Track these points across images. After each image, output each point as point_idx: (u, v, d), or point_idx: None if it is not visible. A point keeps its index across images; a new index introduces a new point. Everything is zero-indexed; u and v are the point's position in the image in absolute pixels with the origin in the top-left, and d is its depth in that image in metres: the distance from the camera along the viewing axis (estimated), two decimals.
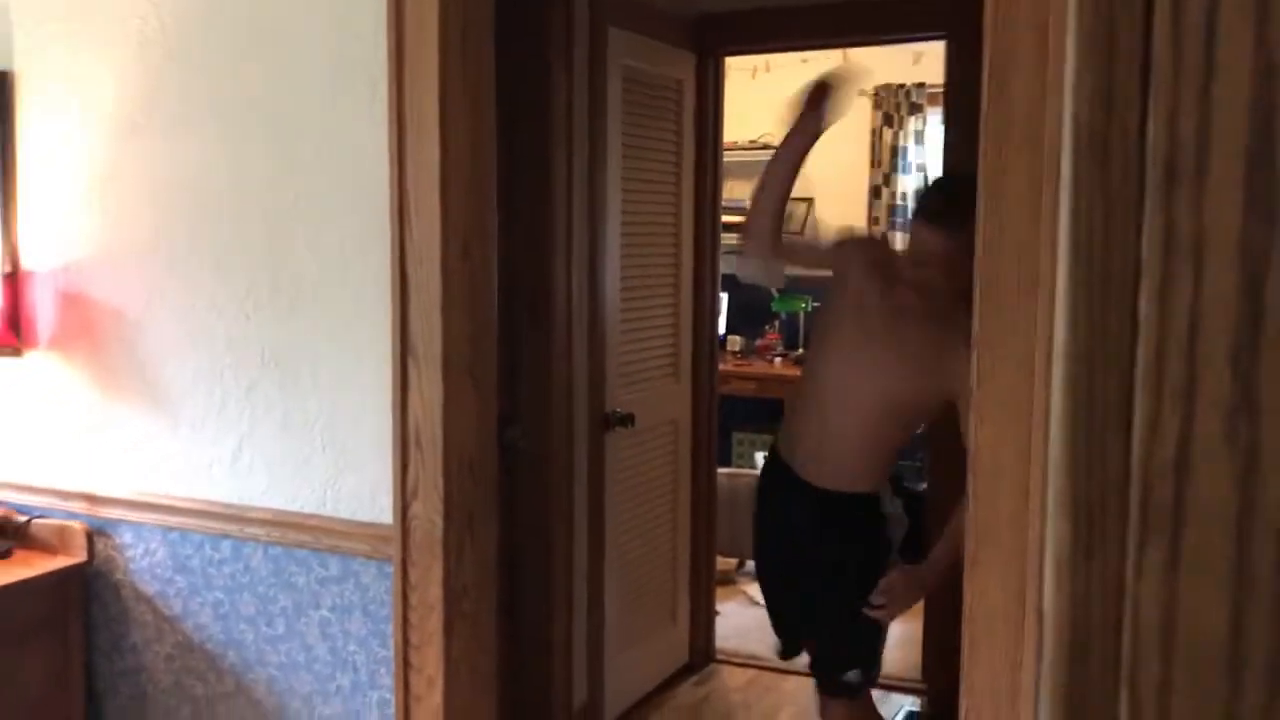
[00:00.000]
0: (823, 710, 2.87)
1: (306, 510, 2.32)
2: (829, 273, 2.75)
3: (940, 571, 2.50)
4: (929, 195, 2.56)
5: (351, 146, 2.21)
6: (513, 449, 3.13)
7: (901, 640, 4.40)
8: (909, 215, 2.49)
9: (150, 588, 2.50)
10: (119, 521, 2.51)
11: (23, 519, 2.56)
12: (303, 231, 2.27)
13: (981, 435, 1.78)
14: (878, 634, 2.73)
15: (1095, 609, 0.38)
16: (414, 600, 2.24)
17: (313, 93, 2.24)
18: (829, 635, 2.78)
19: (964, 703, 1.87)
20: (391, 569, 2.24)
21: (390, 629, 2.26)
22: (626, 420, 3.51)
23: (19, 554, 2.52)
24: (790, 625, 2.90)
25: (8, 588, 2.40)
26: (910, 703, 3.85)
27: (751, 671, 4.13)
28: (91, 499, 2.52)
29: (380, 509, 2.25)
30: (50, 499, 2.57)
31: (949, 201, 2.39)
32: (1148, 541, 0.38)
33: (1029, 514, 1.75)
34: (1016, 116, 1.72)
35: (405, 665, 2.25)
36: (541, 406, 3.23)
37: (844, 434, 2.61)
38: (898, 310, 2.54)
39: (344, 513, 2.29)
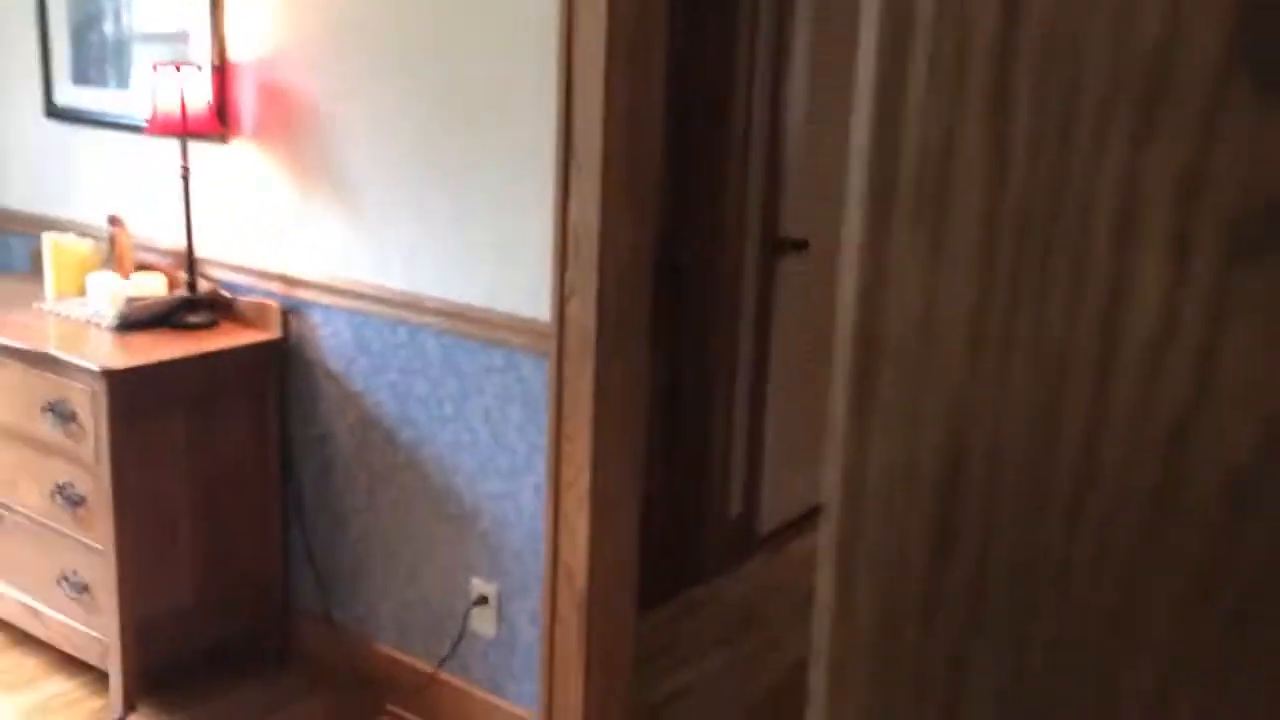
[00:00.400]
0: None
1: (475, 303, 2.47)
2: None
3: None
4: None
5: None
6: (679, 267, 3.20)
7: None
8: None
9: (337, 365, 2.73)
10: (310, 303, 2.73)
11: (229, 295, 2.82)
12: (478, 38, 2.35)
13: None
14: None
15: (877, 284, 0.42)
16: (567, 395, 2.37)
17: None
18: None
19: None
20: (548, 364, 2.37)
21: (545, 419, 2.41)
22: (800, 245, 3.52)
23: (225, 326, 2.78)
24: None
25: (214, 354, 2.67)
26: None
27: None
28: (287, 280, 2.75)
29: (540, 307, 2.37)
30: (251, 278, 2.81)
31: None
32: (918, 229, 0.42)
33: None
34: None
35: (557, 454, 2.41)
36: (711, 226, 3.27)
37: None
38: None
39: (508, 308, 2.43)
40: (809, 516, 4.00)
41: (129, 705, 2.61)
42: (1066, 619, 0.42)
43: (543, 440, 2.43)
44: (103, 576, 2.57)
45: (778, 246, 3.47)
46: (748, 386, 3.54)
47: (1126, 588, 0.41)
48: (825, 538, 0.47)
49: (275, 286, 2.77)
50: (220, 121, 2.71)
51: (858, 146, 0.43)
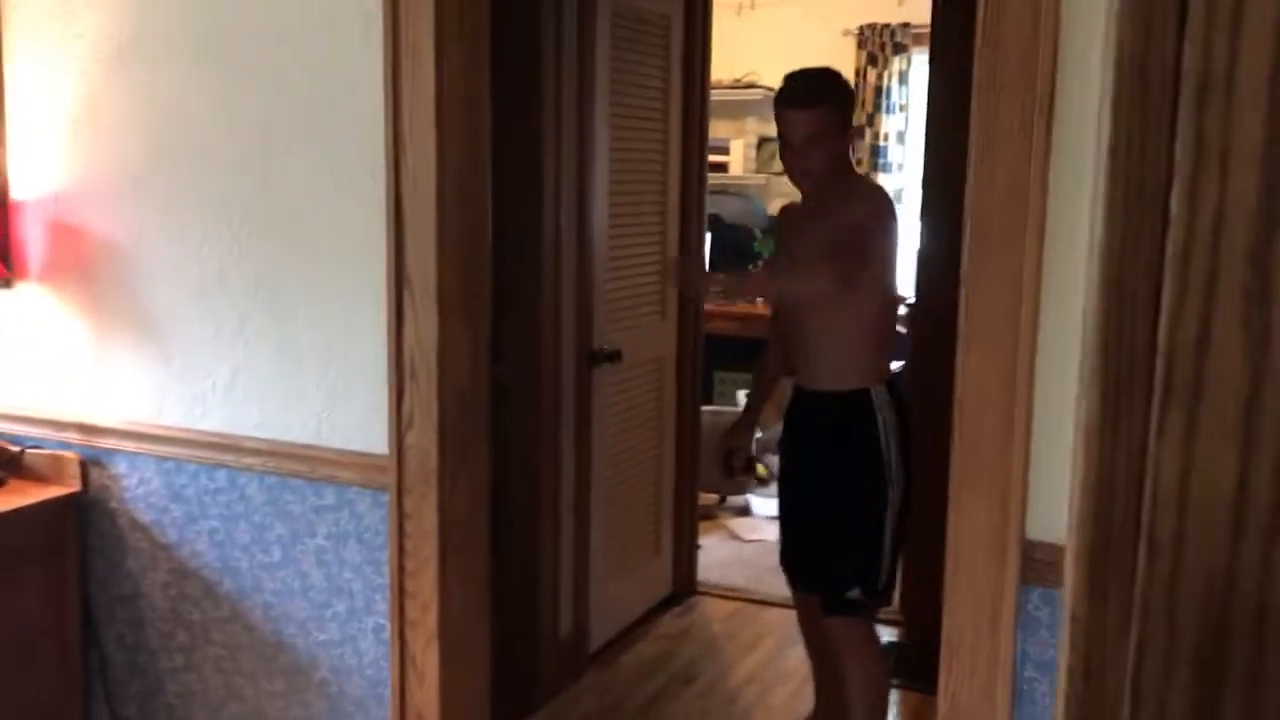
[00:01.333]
0: (832, 635, 2.92)
1: (301, 440, 2.35)
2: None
3: (778, 288, 2.93)
4: (788, 85, 2.81)
5: (345, 76, 2.21)
6: (501, 385, 3.16)
7: None
8: (775, 106, 2.82)
9: (146, 516, 2.53)
10: (113, 451, 2.53)
11: (16, 449, 2.58)
12: (296, 163, 2.28)
13: (968, 364, 1.83)
14: (878, 548, 2.82)
15: (1120, 472, 0.43)
16: (409, 528, 2.28)
17: (306, 21, 2.23)
18: (828, 548, 2.86)
19: (946, 628, 1.94)
20: (386, 498, 2.28)
21: (385, 556, 2.30)
22: (614, 357, 3.55)
23: (13, 483, 2.54)
24: (796, 549, 3.00)
25: (2, 516, 2.43)
26: (889, 633, 3.95)
27: (734, 603, 4.22)
28: (85, 429, 2.55)
29: (375, 439, 2.28)
30: (44, 429, 2.59)
31: (809, 85, 2.78)
32: (1169, 410, 0.42)
33: (1013, 441, 1.81)
34: (1010, 58, 1.74)
35: (401, 592, 2.30)
36: (529, 342, 3.26)
37: (820, 339, 2.83)
38: (808, 216, 2.87)
39: (338, 443, 2.32)
40: (636, 626, 3.97)
41: None
42: None
43: (383, 579, 2.32)
44: None
45: (593, 358, 3.49)
46: (572, 499, 3.51)
47: None
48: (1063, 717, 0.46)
49: (72, 436, 2.55)
50: (3, 264, 2.51)
51: (1094, 334, 0.43)
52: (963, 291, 1.82)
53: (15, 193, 2.54)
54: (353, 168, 2.22)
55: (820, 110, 2.70)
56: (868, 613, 2.91)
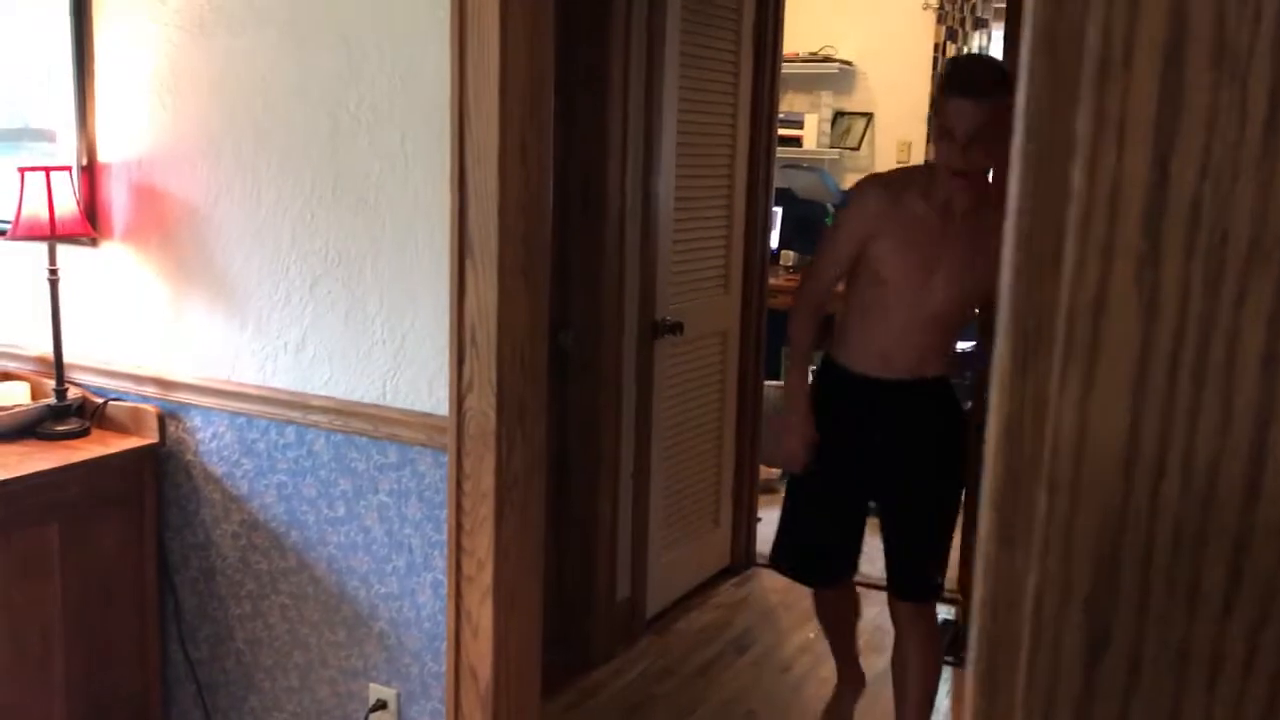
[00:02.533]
0: (909, 620, 2.90)
1: (367, 400, 2.44)
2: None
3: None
4: (961, 72, 2.63)
5: (414, 47, 2.27)
6: (564, 353, 3.23)
7: None
8: (941, 91, 2.62)
9: (218, 469, 2.64)
10: (189, 405, 2.65)
11: (99, 401, 2.71)
12: (365, 132, 2.35)
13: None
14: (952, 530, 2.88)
15: (1027, 420, 0.46)
16: (467, 488, 2.35)
17: (383, 12, 2.30)
18: (927, 526, 2.85)
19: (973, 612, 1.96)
20: (446, 458, 2.35)
21: (444, 514, 2.38)
22: (675, 329, 3.59)
23: (96, 433, 2.67)
24: (853, 539, 2.95)
25: (85, 464, 2.55)
26: (946, 611, 3.95)
27: None
28: (163, 383, 2.66)
29: (437, 400, 2.36)
30: (125, 383, 2.71)
31: (982, 73, 2.59)
32: (1069, 365, 0.46)
33: None
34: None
35: (458, 549, 2.37)
36: (593, 312, 3.31)
37: (920, 338, 2.74)
38: (949, 218, 2.66)
39: (402, 403, 2.40)
40: (692, 595, 4.03)
41: None
42: (1215, 712, 0.46)
43: (442, 536, 2.40)
44: None
45: (655, 330, 3.54)
46: (631, 468, 3.56)
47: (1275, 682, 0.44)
48: (974, 653, 0.50)
49: (151, 390, 2.67)
50: (90, 224, 2.63)
51: (1008, 294, 0.47)
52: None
53: (102, 155, 2.65)
54: (419, 137, 2.29)
55: (993, 104, 2.48)
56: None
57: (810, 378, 2.92)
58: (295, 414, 2.52)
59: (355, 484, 2.49)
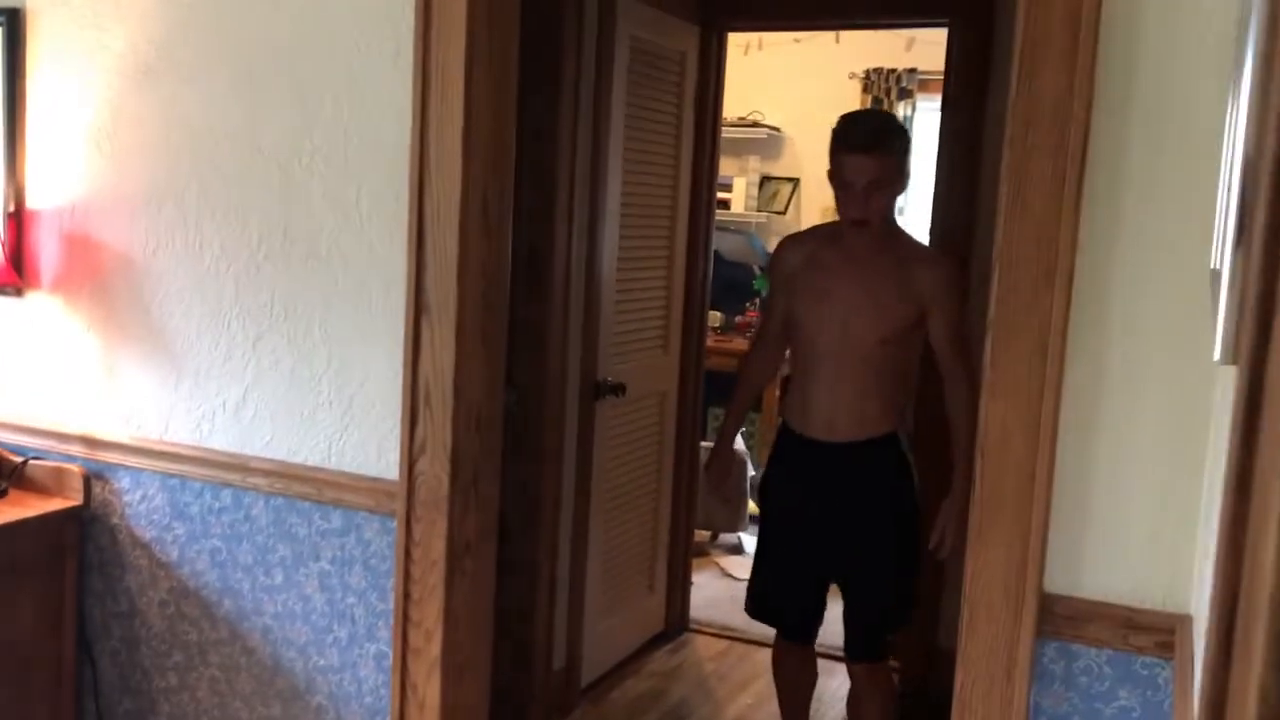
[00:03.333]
0: (862, 680, 2.93)
1: (311, 462, 2.33)
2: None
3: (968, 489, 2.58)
4: (854, 128, 2.72)
5: (373, 101, 2.21)
6: (509, 412, 3.14)
7: None
8: (835, 148, 2.75)
9: (147, 533, 2.50)
10: (117, 466, 2.51)
11: (19, 460, 2.55)
12: (319, 183, 2.27)
13: (991, 412, 1.83)
14: (914, 583, 2.86)
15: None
16: (416, 555, 2.26)
17: (335, 44, 2.23)
18: (877, 591, 2.85)
19: (959, 676, 1.93)
20: (394, 524, 2.26)
21: (390, 583, 2.28)
22: (618, 389, 3.54)
23: (14, 495, 2.51)
24: (809, 602, 2.95)
25: (2, 528, 2.40)
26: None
27: (724, 642, 4.19)
28: (90, 442, 2.52)
29: (386, 464, 2.27)
30: (48, 441, 2.56)
31: (877, 130, 2.73)
32: None
33: (1034, 490, 1.81)
34: (1044, 108, 1.75)
35: (405, 619, 2.27)
36: (537, 372, 3.25)
37: (850, 387, 2.77)
38: (854, 261, 2.77)
39: (349, 466, 2.31)
40: (627, 662, 3.94)
41: None
42: None
43: (387, 606, 2.30)
44: None
45: (597, 390, 3.48)
46: (570, 531, 3.48)
47: None
48: None
49: (77, 449, 2.53)
50: (15, 272, 2.49)
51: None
52: (988, 340, 1.83)
53: (31, 202, 2.52)
54: (376, 192, 2.22)
55: (887, 156, 2.66)
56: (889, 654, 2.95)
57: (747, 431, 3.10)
58: (233, 476, 2.40)
59: (295, 550, 2.37)
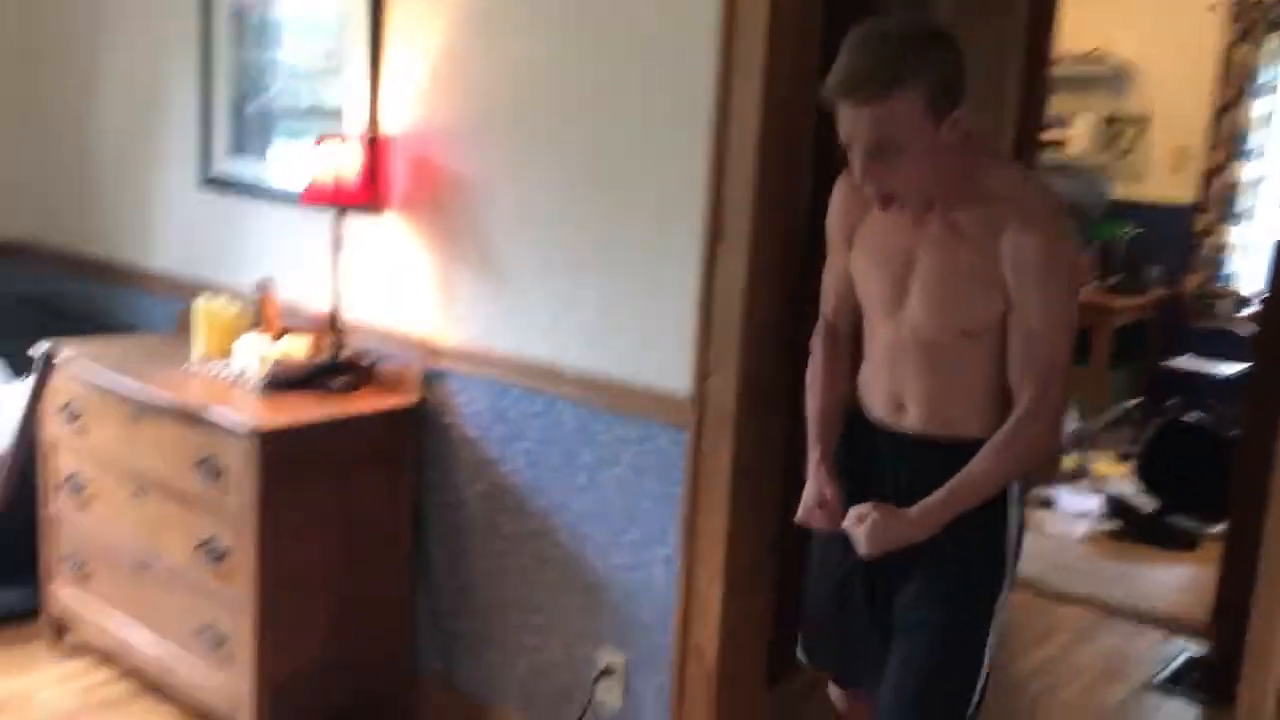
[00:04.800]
0: None
1: (613, 375, 2.51)
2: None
3: (932, 524, 1.87)
4: (838, 62, 1.75)
5: (678, 47, 2.33)
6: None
7: (1187, 583, 4.22)
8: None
9: (472, 432, 2.78)
10: (450, 370, 2.79)
11: (369, 360, 2.89)
12: (627, 122, 2.43)
13: None
14: (980, 667, 1.91)
15: None
16: (704, 469, 2.38)
17: (648, 11, 2.38)
18: (919, 665, 1.93)
19: (1251, 640, 1.84)
20: (684, 436, 2.39)
21: (679, 491, 2.42)
22: None
23: (364, 390, 2.85)
24: (842, 643, 2.13)
25: (355, 418, 2.73)
26: (1191, 648, 3.72)
27: (1023, 596, 4.09)
28: (428, 347, 2.82)
29: (680, 381, 2.40)
30: (393, 344, 2.88)
31: (870, 64, 1.71)
32: None
33: None
34: None
35: (692, 527, 2.41)
36: None
37: (913, 367, 1.93)
38: (929, 225, 1.88)
39: (647, 381, 2.46)
40: None
41: None
42: None
43: (677, 513, 2.44)
44: (240, 631, 2.62)
45: None
46: None
47: None
48: None
49: (416, 353, 2.84)
50: (372, 193, 2.81)
51: None
52: None
53: (384, 129, 2.83)
54: (679, 125, 2.34)
55: (888, 101, 1.71)
56: None
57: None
58: (546, 384, 2.62)
59: (597, 455, 2.56)
